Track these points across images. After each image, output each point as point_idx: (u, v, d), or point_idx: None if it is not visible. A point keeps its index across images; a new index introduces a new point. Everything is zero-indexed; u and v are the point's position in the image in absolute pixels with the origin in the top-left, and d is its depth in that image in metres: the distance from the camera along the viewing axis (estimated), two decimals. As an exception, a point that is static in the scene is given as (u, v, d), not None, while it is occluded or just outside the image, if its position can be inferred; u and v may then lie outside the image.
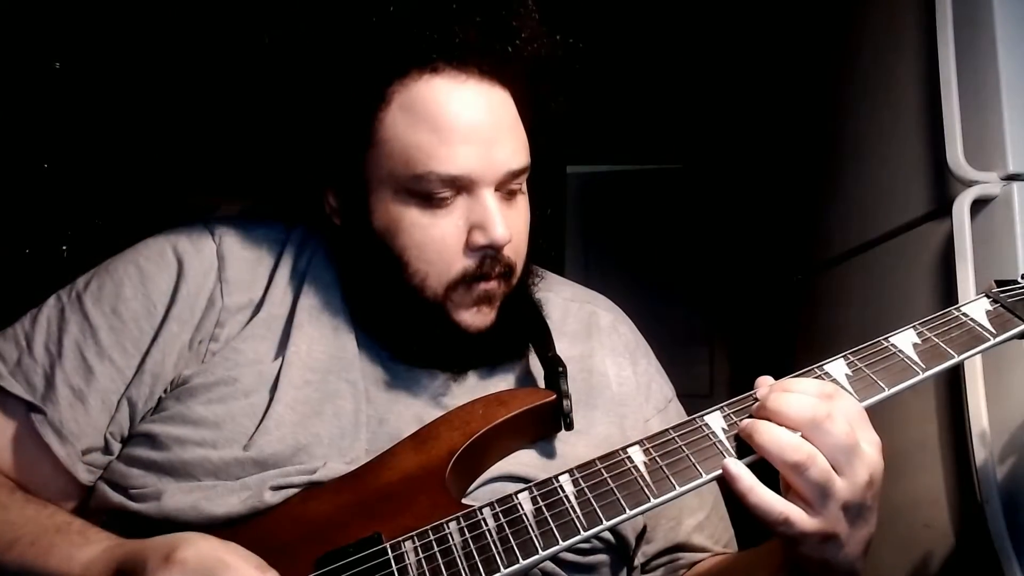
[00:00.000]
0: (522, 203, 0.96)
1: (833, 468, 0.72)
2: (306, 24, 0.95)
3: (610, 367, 1.03)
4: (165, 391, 0.88)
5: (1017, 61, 1.24)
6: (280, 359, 0.89)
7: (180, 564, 0.68)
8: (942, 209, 1.34)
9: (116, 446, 0.87)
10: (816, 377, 0.81)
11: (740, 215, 2.72)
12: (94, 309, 0.89)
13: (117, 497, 0.83)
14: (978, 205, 1.25)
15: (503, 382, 0.98)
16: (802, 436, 0.73)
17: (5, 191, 1.98)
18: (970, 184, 1.25)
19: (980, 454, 1.17)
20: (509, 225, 0.89)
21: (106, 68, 2.10)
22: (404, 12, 0.88)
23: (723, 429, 0.78)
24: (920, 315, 1.41)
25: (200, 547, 0.70)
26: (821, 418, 0.72)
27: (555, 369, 0.91)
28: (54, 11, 2.00)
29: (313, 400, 0.88)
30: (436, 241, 0.88)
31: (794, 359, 2.13)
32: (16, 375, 0.87)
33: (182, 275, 0.91)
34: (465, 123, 0.87)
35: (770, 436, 0.73)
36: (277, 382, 0.87)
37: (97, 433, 0.87)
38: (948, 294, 1.31)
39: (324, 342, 0.92)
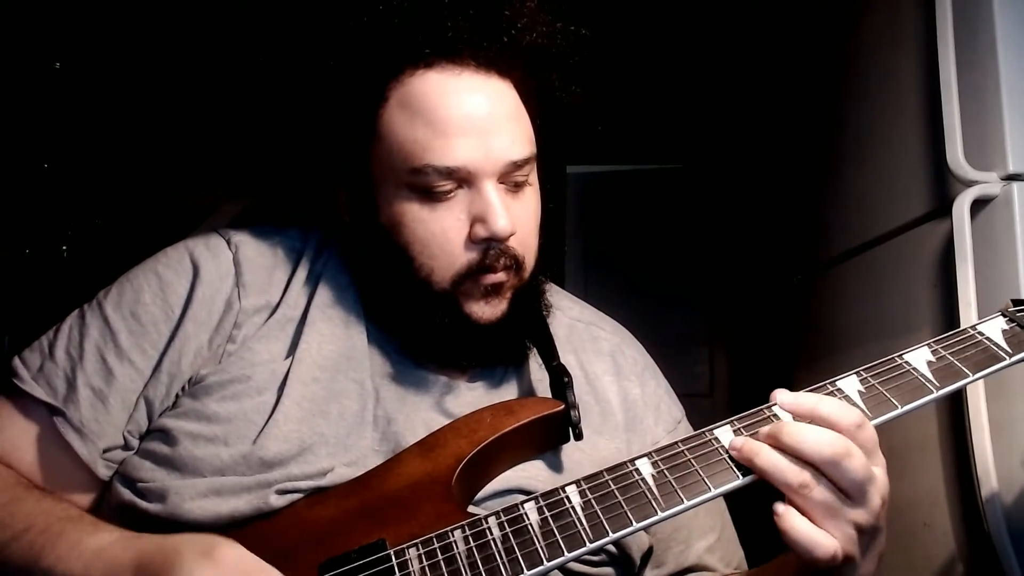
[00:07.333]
0: (530, 195, 0.94)
1: (849, 498, 0.72)
2: (302, 28, 0.96)
3: (614, 394, 1.02)
4: (182, 389, 0.89)
5: (1017, 61, 1.25)
6: (291, 357, 0.90)
7: (220, 562, 0.68)
8: (942, 209, 1.34)
9: (134, 443, 0.88)
10: (828, 393, 0.80)
11: (740, 215, 2.72)
12: (114, 314, 0.91)
13: (127, 494, 0.84)
14: (978, 205, 1.25)
15: (508, 392, 0.98)
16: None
17: (5, 191, 1.98)
18: (970, 184, 1.25)
19: (980, 454, 1.17)
20: (514, 217, 0.89)
21: (106, 68, 2.10)
22: (396, 9, 0.88)
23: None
24: (920, 315, 1.44)
25: (238, 550, 0.70)
26: (840, 456, 0.72)
27: (561, 379, 0.91)
28: (54, 11, 2.00)
29: (320, 398, 0.88)
30: (438, 235, 0.89)
31: (794, 359, 2.14)
32: (38, 380, 0.88)
33: (198, 279, 0.92)
34: (460, 115, 0.87)
35: (768, 460, 0.73)
36: (287, 379, 0.88)
37: (116, 431, 0.88)
38: (948, 294, 1.31)
39: (335, 340, 0.92)
